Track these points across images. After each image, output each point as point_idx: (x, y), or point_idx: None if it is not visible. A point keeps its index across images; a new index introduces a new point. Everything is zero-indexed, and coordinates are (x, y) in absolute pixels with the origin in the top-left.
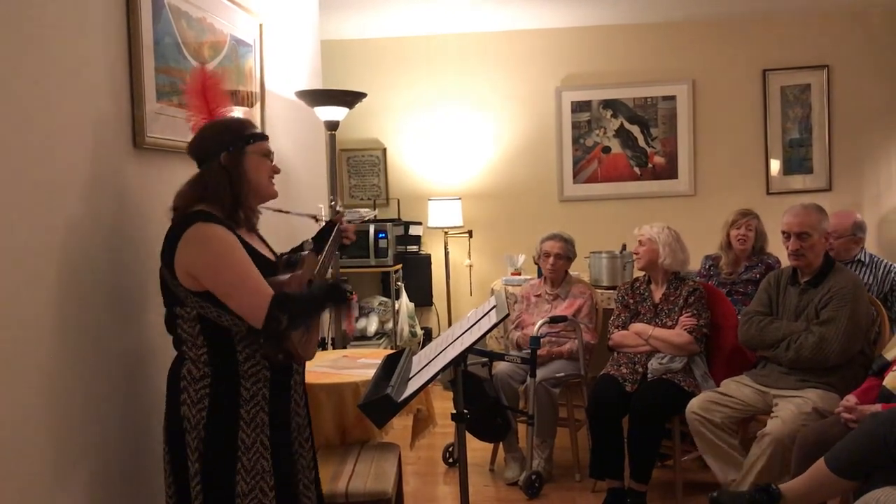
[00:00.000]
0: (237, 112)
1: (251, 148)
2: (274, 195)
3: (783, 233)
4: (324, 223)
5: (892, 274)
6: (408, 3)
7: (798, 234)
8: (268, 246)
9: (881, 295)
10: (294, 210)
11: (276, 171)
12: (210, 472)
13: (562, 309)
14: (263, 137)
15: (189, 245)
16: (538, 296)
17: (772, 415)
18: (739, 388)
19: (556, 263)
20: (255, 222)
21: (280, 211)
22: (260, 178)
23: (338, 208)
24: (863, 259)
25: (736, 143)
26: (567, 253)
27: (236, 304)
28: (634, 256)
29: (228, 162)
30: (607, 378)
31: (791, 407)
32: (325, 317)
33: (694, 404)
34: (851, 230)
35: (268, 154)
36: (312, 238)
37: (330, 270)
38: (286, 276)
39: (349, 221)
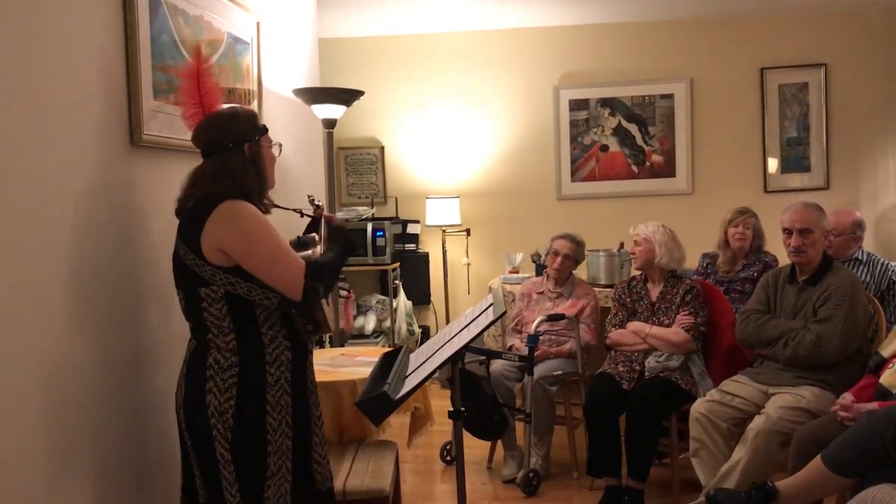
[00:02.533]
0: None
1: (264, 139)
2: (274, 185)
3: (785, 230)
4: (308, 218)
5: (890, 272)
6: (405, 2)
7: (801, 230)
8: None
9: (878, 293)
10: (281, 204)
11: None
12: (241, 455)
13: (565, 308)
14: (267, 129)
15: (220, 221)
16: (540, 293)
17: (761, 411)
18: (741, 387)
19: (564, 264)
20: (269, 210)
21: (274, 205)
22: (271, 168)
23: (317, 202)
24: (860, 258)
25: (734, 142)
26: (575, 255)
27: (273, 277)
28: (631, 256)
29: (252, 153)
30: (604, 376)
31: (779, 402)
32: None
33: (700, 405)
34: (851, 228)
35: (272, 145)
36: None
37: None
38: (308, 252)
39: (346, 220)
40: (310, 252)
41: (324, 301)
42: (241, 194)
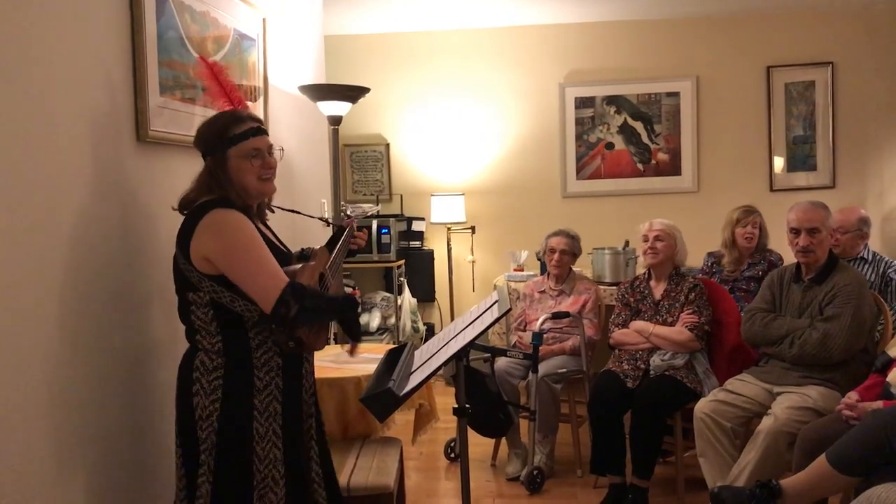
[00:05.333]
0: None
1: (233, 151)
2: (266, 193)
3: (793, 230)
4: (334, 226)
5: (891, 269)
6: None
7: (809, 230)
8: (280, 241)
9: (878, 291)
10: (305, 211)
11: (268, 166)
12: (224, 461)
13: (567, 305)
14: (248, 135)
15: (207, 230)
16: (542, 292)
17: (767, 412)
18: (745, 385)
19: (561, 259)
20: (264, 216)
21: (293, 211)
22: (245, 180)
23: (349, 212)
24: (865, 257)
25: (740, 140)
26: (572, 249)
27: (251, 287)
28: (649, 252)
29: (213, 166)
30: (609, 374)
31: (786, 403)
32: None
33: (704, 405)
34: (858, 225)
35: (253, 154)
36: (326, 244)
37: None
38: (299, 266)
39: (353, 217)
40: (300, 266)
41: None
42: (225, 201)
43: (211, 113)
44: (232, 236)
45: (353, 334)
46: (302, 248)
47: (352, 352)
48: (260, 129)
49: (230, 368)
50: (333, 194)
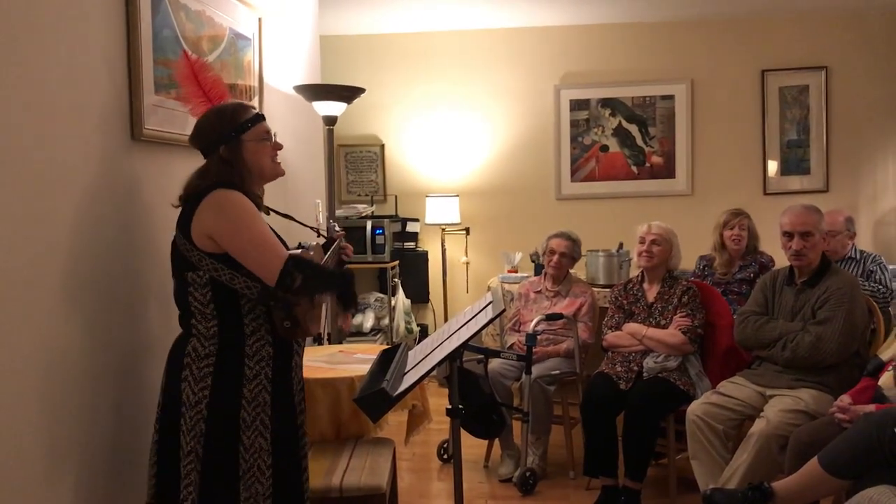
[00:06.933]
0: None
1: (247, 136)
2: (280, 173)
3: (786, 233)
4: (324, 238)
5: (874, 264)
6: (407, 0)
7: (802, 233)
8: (278, 235)
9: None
10: (298, 217)
11: (278, 147)
12: (212, 449)
13: (563, 307)
14: (258, 120)
15: (209, 208)
16: (538, 292)
17: (760, 414)
18: (738, 388)
19: (560, 262)
20: (260, 205)
21: (287, 216)
22: (262, 162)
23: (336, 228)
24: (854, 256)
25: (734, 144)
26: (572, 252)
27: (253, 261)
28: (644, 255)
29: (228, 155)
30: (602, 376)
31: (779, 405)
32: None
33: (696, 408)
34: (845, 225)
35: (265, 137)
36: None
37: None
38: (298, 252)
39: (346, 217)
40: (299, 252)
41: (310, 304)
42: (228, 185)
43: (194, 115)
44: (234, 212)
45: (347, 305)
46: (300, 243)
47: (345, 325)
48: (263, 115)
49: (222, 356)
50: (328, 195)
